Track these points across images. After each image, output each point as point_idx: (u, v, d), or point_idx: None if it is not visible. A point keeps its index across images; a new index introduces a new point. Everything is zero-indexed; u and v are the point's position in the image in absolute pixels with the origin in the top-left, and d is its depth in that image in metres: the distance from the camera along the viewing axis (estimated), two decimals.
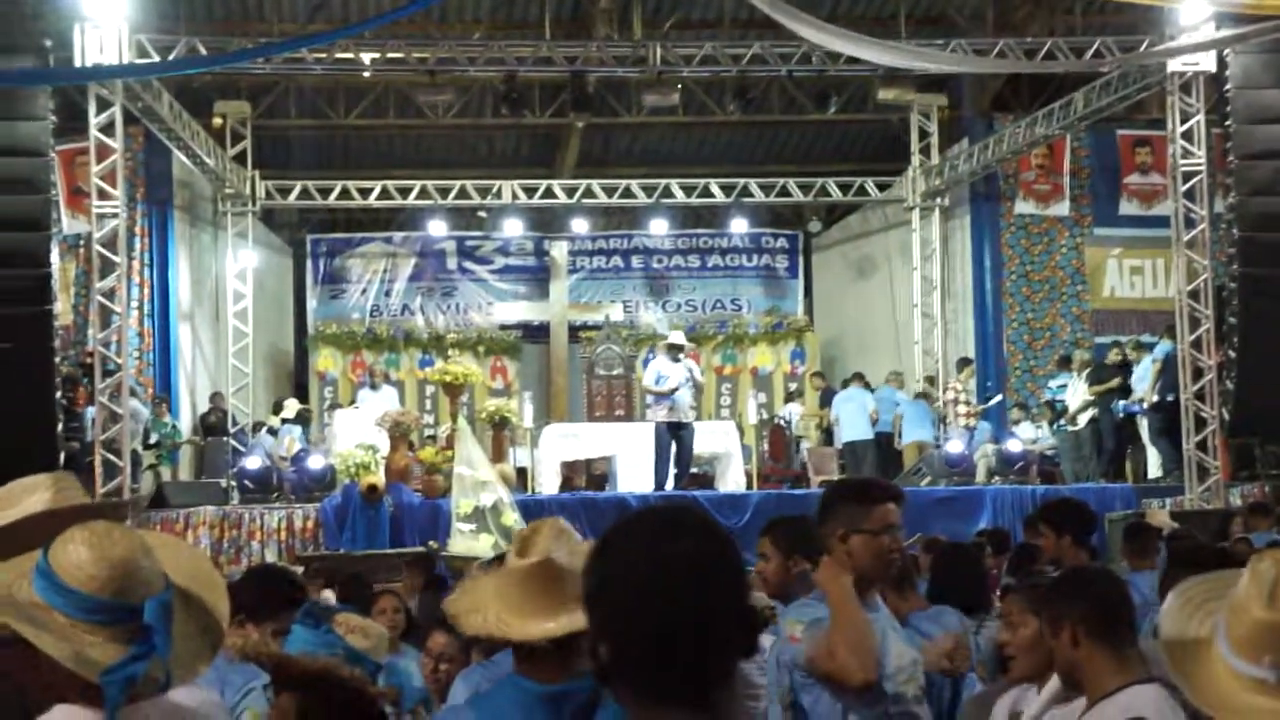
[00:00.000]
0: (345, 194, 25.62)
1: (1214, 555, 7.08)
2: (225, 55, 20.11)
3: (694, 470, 20.36)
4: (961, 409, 22.47)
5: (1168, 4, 18.26)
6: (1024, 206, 25.05)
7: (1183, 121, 19.13)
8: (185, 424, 23.51)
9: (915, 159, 25.83)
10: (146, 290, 23.58)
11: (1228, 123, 18.36)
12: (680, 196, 26.09)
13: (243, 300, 24.83)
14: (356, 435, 19.76)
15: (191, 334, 24.61)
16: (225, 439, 22.73)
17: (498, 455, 19.54)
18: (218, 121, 24.42)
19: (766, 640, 4.97)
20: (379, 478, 18.11)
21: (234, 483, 20.89)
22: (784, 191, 26.35)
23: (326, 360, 26.90)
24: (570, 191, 26.01)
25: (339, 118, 25.75)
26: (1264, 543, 10.40)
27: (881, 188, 26.66)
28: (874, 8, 23.64)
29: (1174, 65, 19.05)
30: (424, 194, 25.56)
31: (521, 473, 20.38)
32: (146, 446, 21.05)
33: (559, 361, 26.81)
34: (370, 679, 4.33)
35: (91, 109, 18.33)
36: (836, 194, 26.62)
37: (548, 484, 20.54)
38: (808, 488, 20.63)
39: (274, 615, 5.12)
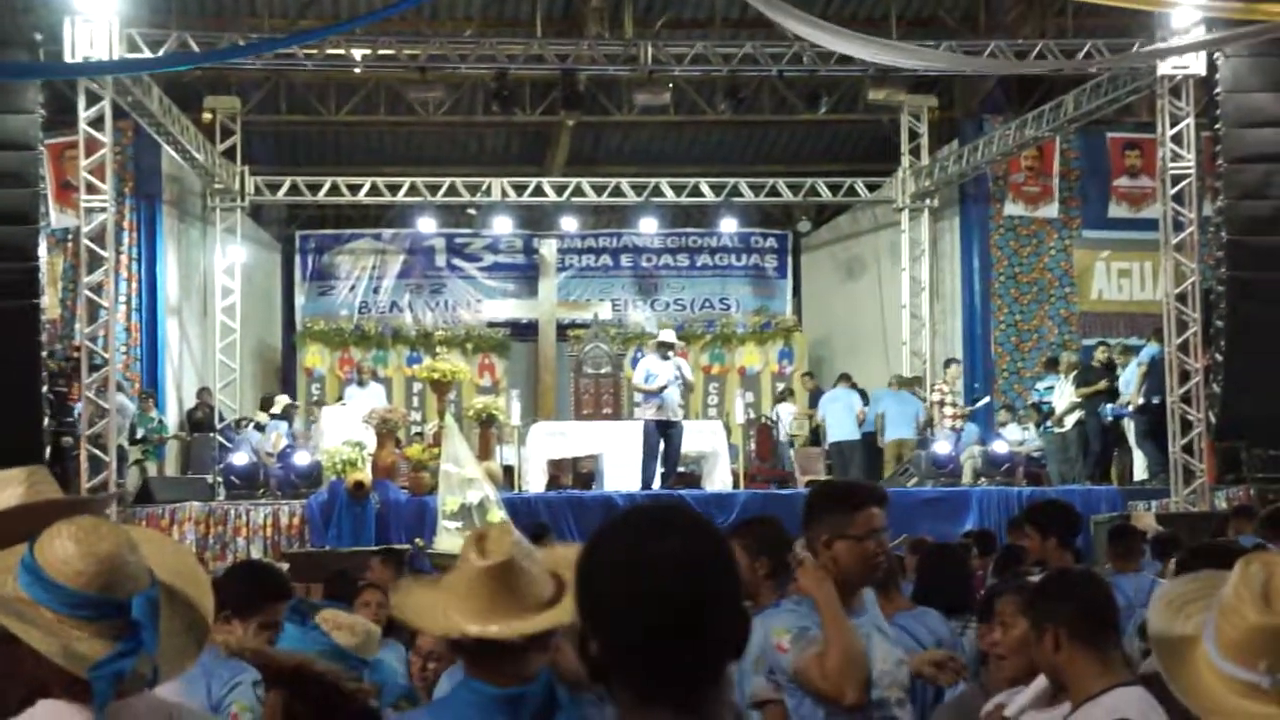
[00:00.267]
0: (335, 190, 25.57)
1: (1234, 553, 7.05)
2: (216, 52, 20.07)
3: (681, 469, 20.35)
4: (948, 410, 22.48)
5: (1158, 8, 18.29)
6: (1013, 208, 25.06)
7: (1172, 125, 19.14)
8: (172, 419, 23.45)
9: (905, 160, 25.84)
10: (134, 285, 23.51)
11: (1217, 126, 18.39)
12: (670, 195, 26.09)
13: (231, 296, 24.79)
14: (344, 432, 19.74)
15: (179, 329, 24.55)
16: (212, 435, 22.69)
17: (485, 453, 19.53)
18: (207, 116, 24.38)
19: None
20: (366, 474, 18.09)
21: (220, 479, 20.86)
22: (774, 191, 26.37)
23: (314, 357, 26.89)
24: (560, 190, 26.00)
25: (329, 114, 25.71)
26: (1249, 545, 10.41)
27: (871, 188, 26.68)
28: (865, 8, 23.66)
29: (1164, 68, 19.08)
30: (414, 191, 25.54)
31: (508, 471, 20.37)
32: (133, 442, 21.00)
33: (547, 359, 26.80)
34: (356, 675, 4.34)
35: (81, 103, 18.27)
36: (826, 194, 26.65)
37: (534, 482, 20.53)
38: (794, 488, 20.64)
39: (259, 610, 5.12)
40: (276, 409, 23.17)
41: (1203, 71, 18.74)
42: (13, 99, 17.48)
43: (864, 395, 22.83)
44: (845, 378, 23.48)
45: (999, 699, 4.97)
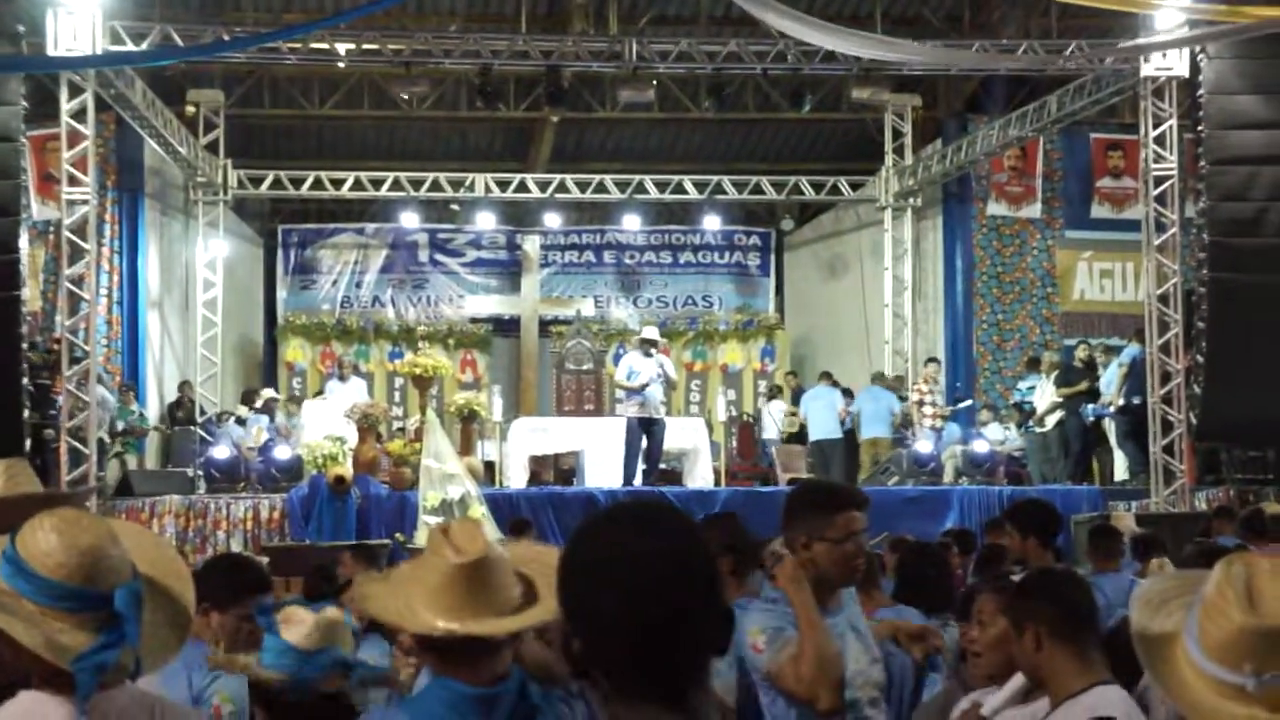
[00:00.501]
0: (318, 184, 25.55)
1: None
2: (200, 47, 19.98)
3: (662, 466, 20.34)
4: (927, 410, 22.51)
5: (1142, 10, 18.32)
6: (996, 208, 25.12)
7: (1155, 126, 19.17)
8: (153, 412, 23.40)
9: (889, 159, 25.87)
10: (116, 278, 23.47)
11: (1200, 128, 18.39)
12: (653, 192, 26.10)
13: (213, 289, 24.75)
14: (325, 426, 19.73)
15: (160, 322, 24.51)
16: (192, 428, 22.65)
17: (466, 448, 19.53)
18: (190, 109, 24.32)
19: None
20: (346, 469, 18.07)
21: (200, 472, 20.84)
22: (757, 189, 26.39)
23: (296, 351, 26.86)
24: (543, 186, 26.00)
25: (313, 108, 25.69)
26: (1231, 547, 10.45)
27: (854, 187, 26.71)
28: (850, 6, 23.67)
29: (1147, 70, 19.10)
30: (397, 186, 25.54)
31: (490, 466, 20.36)
32: (113, 435, 20.95)
33: (529, 356, 26.79)
34: (328, 672, 4.33)
35: (63, 95, 18.22)
36: (809, 193, 26.67)
37: (515, 478, 20.51)
38: (776, 485, 20.65)
39: (237, 603, 5.14)
40: (260, 403, 23.14)
41: (1186, 73, 18.77)
42: None
43: (848, 393, 22.82)
44: (826, 376, 23.48)
45: (973, 697, 4.99)
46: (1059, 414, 20.88)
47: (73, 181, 18.51)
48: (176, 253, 25.16)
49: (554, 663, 3.47)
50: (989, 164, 24.72)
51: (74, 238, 18.62)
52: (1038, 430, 21.27)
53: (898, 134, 25.74)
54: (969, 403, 23.88)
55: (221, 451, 20.98)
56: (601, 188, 25.97)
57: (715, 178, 26.24)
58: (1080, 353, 22.00)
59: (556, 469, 21.18)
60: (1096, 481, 20.81)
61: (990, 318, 25.04)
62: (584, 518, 2.40)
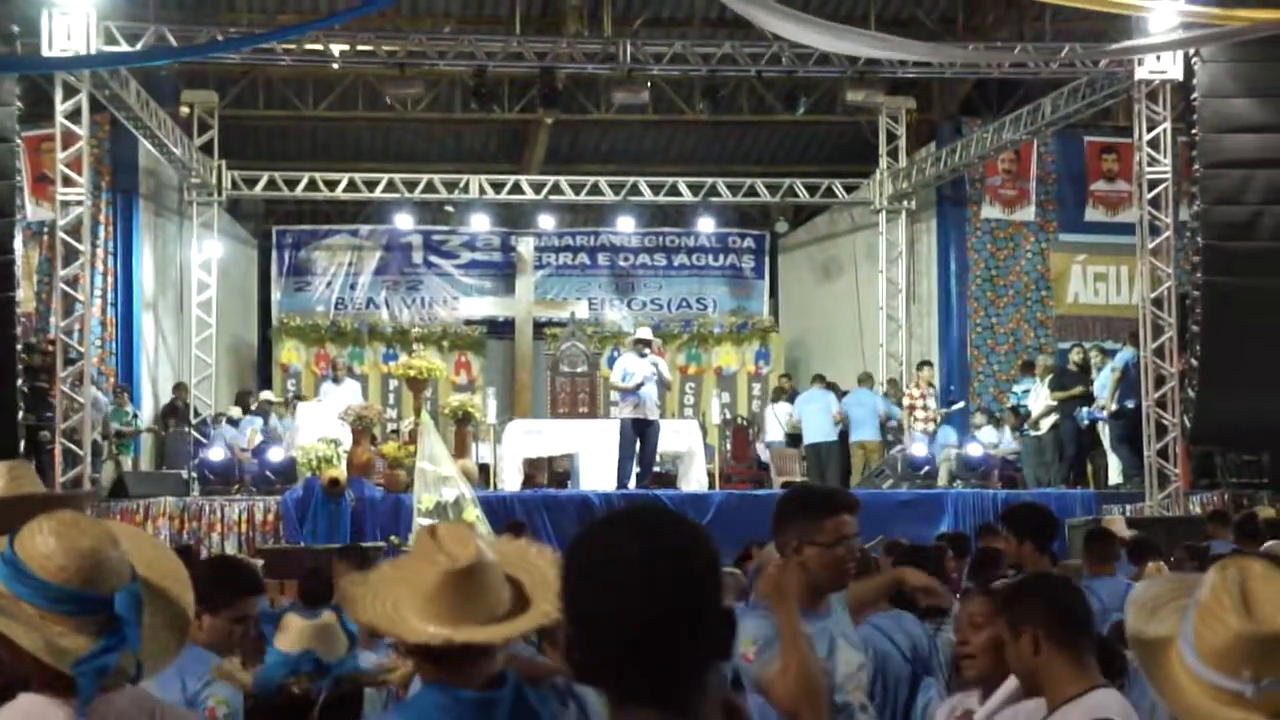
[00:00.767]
0: (312, 186, 25.53)
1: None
2: (194, 47, 19.96)
3: (656, 469, 20.34)
4: (919, 414, 22.51)
5: (1136, 12, 18.34)
6: (990, 211, 25.12)
7: (1149, 129, 19.19)
8: (147, 414, 23.39)
9: (883, 162, 25.86)
10: (110, 279, 23.44)
11: (1194, 131, 18.42)
12: (648, 195, 26.09)
13: (207, 291, 24.71)
14: (319, 428, 19.72)
15: (155, 324, 24.49)
16: (187, 430, 22.64)
17: (460, 451, 19.53)
18: (185, 110, 24.28)
19: None
20: (341, 471, 18.06)
21: (195, 474, 20.82)
22: (751, 192, 26.40)
23: (290, 353, 26.83)
24: (538, 188, 25.99)
25: (307, 109, 25.67)
26: (1226, 551, 10.46)
27: (849, 190, 26.72)
28: (844, 8, 23.66)
29: (1141, 73, 19.11)
30: (391, 187, 25.52)
31: (484, 469, 20.36)
32: (106, 436, 20.94)
33: (523, 358, 26.78)
34: (295, 672, 4.34)
35: (58, 96, 18.20)
36: (804, 195, 26.68)
37: (510, 480, 20.51)
38: (770, 488, 20.65)
39: (230, 605, 5.13)
40: (255, 405, 23.13)
41: (1180, 76, 18.78)
42: None
43: (844, 395, 22.80)
44: (820, 378, 23.48)
45: (963, 701, 4.98)
46: (1053, 417, 20.89)
47: (67, 182, 18.48)
48: (171, 254, 25.13)
49: (538, 663, 3.47)
50: (983, 167, 24.72)
51: (68, 239, 18.59)
52: (1032, 434, 21.28)
53: (892, 137, 25.73)
54: (960, 404, 23.88)
55: (216, 453, 20.98)
56: (596, 190, 25.96)
57: (710, 180, 26.24)
58: (1074, 356, 21.98)
59: (551, 471, 21.15)
60: (1091, 485, 20.82)
61: (984, 321, 25.03)
62: (581, 524, 2.39)
